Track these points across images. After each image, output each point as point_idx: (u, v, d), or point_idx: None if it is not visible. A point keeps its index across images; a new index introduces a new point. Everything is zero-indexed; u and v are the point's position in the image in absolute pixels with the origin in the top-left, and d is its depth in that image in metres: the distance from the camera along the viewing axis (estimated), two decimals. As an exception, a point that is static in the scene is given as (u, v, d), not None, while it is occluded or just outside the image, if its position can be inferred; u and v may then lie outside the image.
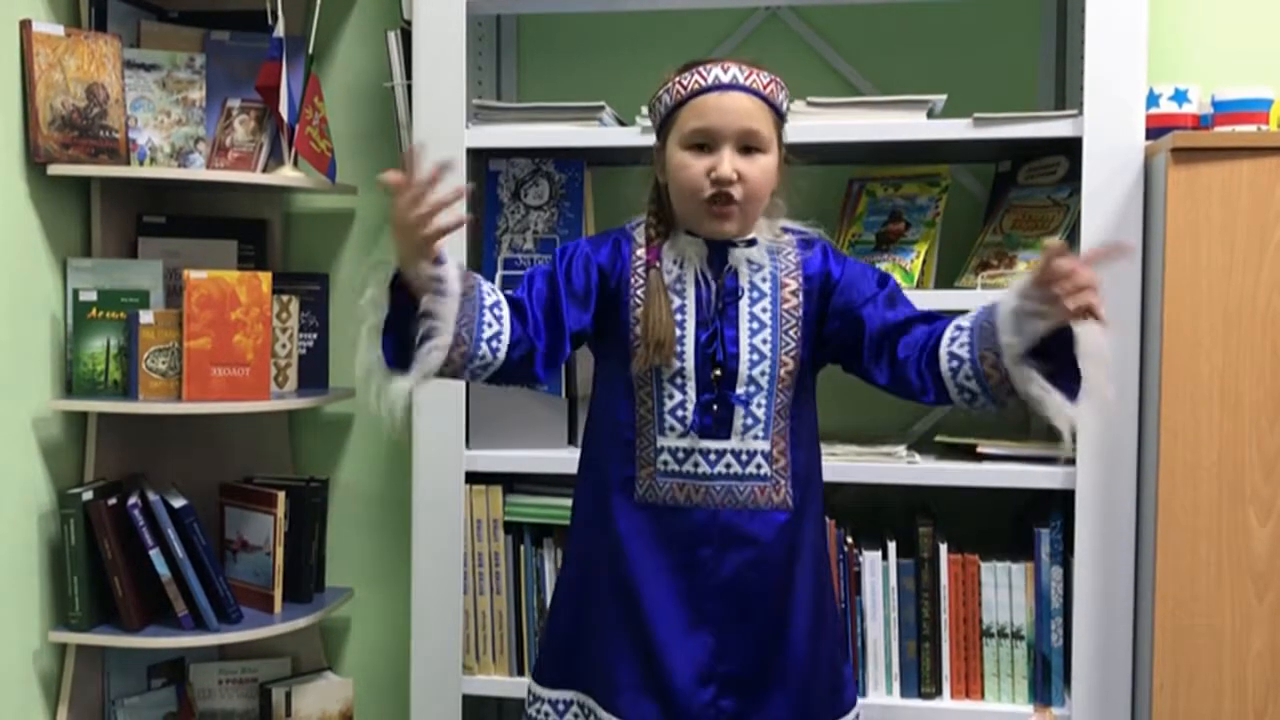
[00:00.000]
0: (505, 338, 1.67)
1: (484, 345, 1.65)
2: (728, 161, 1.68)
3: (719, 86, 1.69)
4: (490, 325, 1.66)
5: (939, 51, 2.44)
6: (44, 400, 2.34)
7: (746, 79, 1.70)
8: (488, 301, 1.67)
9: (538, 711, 1.87)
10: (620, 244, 1.80)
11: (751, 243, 1.76)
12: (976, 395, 1.65)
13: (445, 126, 2.18)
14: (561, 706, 1.87)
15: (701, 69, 1.71)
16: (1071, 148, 2.12)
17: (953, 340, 1.66)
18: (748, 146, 1.70)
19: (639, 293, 1.76)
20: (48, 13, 2.35)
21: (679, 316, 1.75)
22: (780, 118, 1.75)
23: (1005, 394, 1.62)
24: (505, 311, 1.69)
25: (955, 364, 1.65)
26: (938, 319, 1.72)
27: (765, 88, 1.71)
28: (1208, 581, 1.94)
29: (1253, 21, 2.35)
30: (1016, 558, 2.14)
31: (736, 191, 1.69)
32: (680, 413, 1.75)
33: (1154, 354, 1.98)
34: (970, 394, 1.65)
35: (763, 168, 1.71)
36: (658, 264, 1.76)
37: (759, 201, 1.73)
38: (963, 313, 1.69)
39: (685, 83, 1.71)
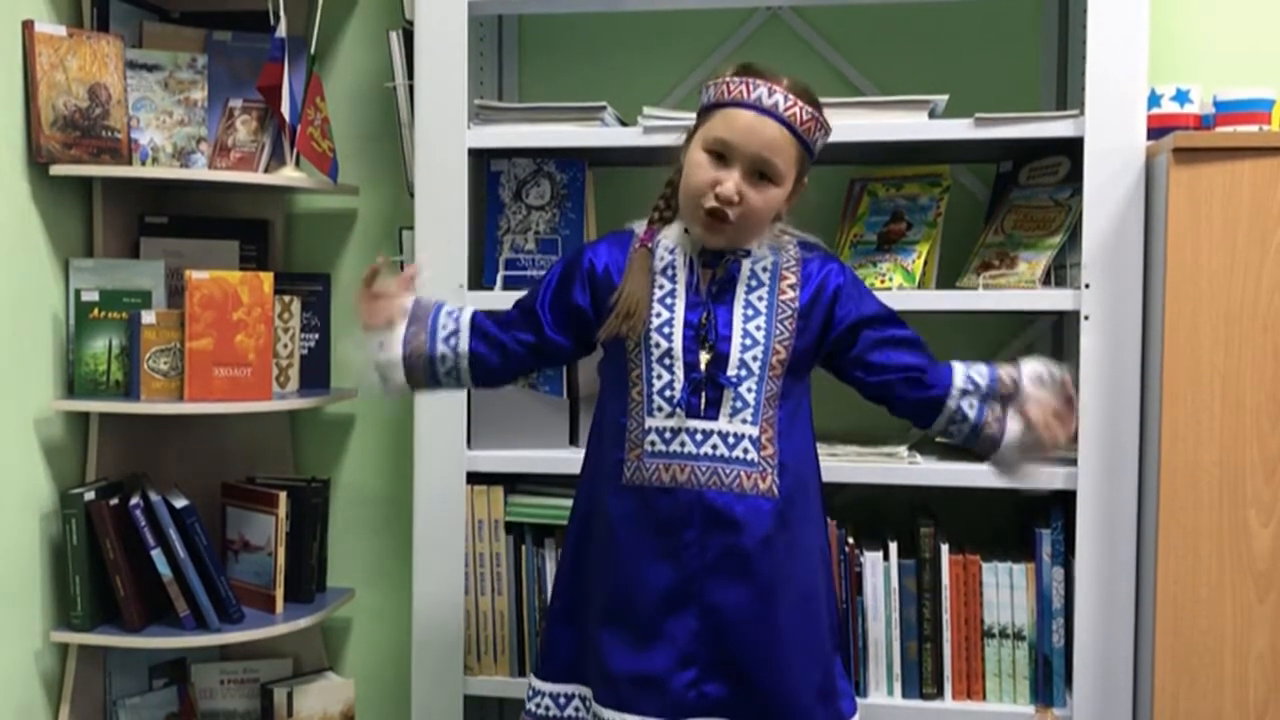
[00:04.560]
0: (465, 336, 1.84)
1: (440, 345, 1.83)
2: (733, 182, 1.69)
3: (757, 107, 1.69)
4: (446, 326, 1.84)
5: (940, 51, 2.44)
6: (46, 400, 2.34)
7: (786, 110, 1.69)
8: (446, 308, 1.86)
9: (538, 706, 1.88)
10: (627, 241, 1.83)
11: (746, 254, 1.77)
12: (956, 439, 1.85)
13: (447, 127, 2.18)
14: (563, 700, 1.87)
15: (751, 82, 1.69)
16: (1073, 148, 2.11)
17: (963, 395, 1.80)
18: (761, 173, 1.71)
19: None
20: (50, 13, 2.35)
21: (669, 300, 1.77)
22: (809, 153, 1.75)
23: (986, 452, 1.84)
24: (465, 315, 1.85)
25: (959, 419, 1.81)
26: (932, 367, 1.81)
27: (803, 124, 1.71)
28: (1209, 582, 1.94)
29: (1254, 22, 2.35)
30: (1018, 558, 2.14)
31: (732, 213, 1.70)
32: (668, 393, 1.76)
33: (1155, 355, 1.97)
34: (950, 435, 1.85)
35: (767, 198, 1.72)
36: (650, 245, 1.79)
37: (754, 227, 1.75)
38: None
39: (732, 87, 1.71)
